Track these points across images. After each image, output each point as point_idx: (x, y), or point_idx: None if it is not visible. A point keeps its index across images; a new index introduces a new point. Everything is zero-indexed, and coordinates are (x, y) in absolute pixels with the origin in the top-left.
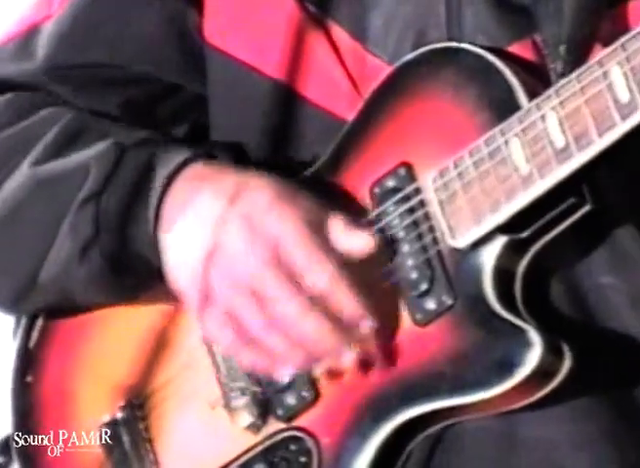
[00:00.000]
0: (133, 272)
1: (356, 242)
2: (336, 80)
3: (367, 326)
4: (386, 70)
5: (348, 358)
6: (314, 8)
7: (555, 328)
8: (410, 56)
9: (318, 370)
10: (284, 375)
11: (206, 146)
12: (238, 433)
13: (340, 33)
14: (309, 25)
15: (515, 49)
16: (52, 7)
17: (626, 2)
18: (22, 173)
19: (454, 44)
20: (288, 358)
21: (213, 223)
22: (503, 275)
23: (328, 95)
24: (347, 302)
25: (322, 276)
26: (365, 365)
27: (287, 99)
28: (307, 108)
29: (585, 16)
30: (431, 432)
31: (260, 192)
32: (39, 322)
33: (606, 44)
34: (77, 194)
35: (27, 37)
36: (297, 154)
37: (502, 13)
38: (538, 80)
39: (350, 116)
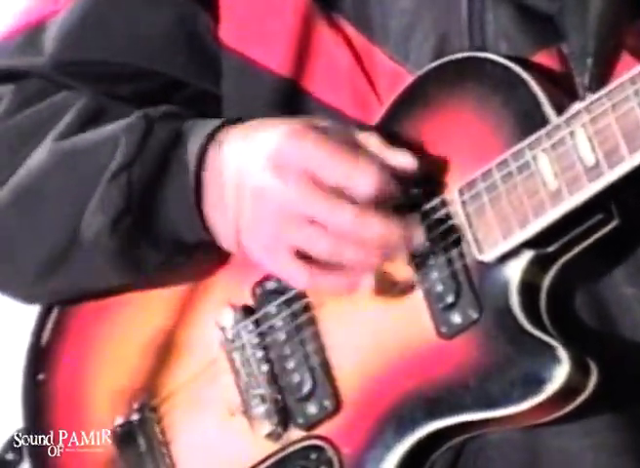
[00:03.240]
0: (163, 245)
1: (396, 157)
2: (349, 80)
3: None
4: (407, 74)
5: (419, 238)
6: (326, 6)
7: (578, 340)
8: (434, 64)
9: (400, 258)
10: (370, 285)
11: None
12: (257, 440)
13: (354, 34)
14: (320, 24)
15: (540, 57)
16: (58, 1)
17: None
18: (47, 147)
19: (479, 53)
20: (369, 263)
21: (246, 173)
22: (529, 289)
23: (337, 93)
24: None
25: (365, 180)
26: (388, 375)
27: (294, 96)
28: (316, 106)
29: (610, 27)
30: (454, 444)
31: (278, 129)
32: (51, 319)
33: (634, 55)
34: (107, 166)
35: (35, 31)
36: None
37: (526, 20)
38: (563, 91)
39: (360, 115)
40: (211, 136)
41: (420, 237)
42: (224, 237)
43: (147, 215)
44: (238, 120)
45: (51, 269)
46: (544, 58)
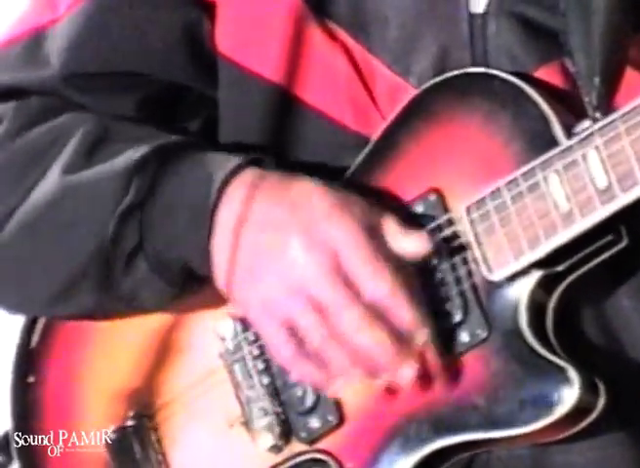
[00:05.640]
0: (176, 279)
1: (411, 243)
2: (342, 88)
3: (424, 335)
4: (408, 87)
5: (408, 372)
6: (319, 13)
7: (585, 359)
8: (440, 77)
9: (378, 384)
10: (336, 389)
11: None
12: (257, 452)
13: (351, 43)
14: (315, 32)
15: (542, 73)
16: (56, 10)
17: None
18: (55, 180)
19: (488, 70)
20: (349, 370)
21: (273, 230)
22: (537, 309)
23: (331, 101)
24: (405, 311)
25: (381, 285)
26: (393, 392)
27: (287, 104)
28: (310, 114)
29: (615, 43)
30: (461, 458)
31: (318, 199)
32: (41, 321)
33: (636, 68)
34: (119, 203)
35: (34, 42)
36: (300, 160)
37: (529, 35)
38: (569, 108)
39: (355, 124)
40: (229, 179)
41: (408, 370)
42: (219, 279)
43: (162, 252)
44: (257, 161)
45: (63, 298)
46: (546, 74)
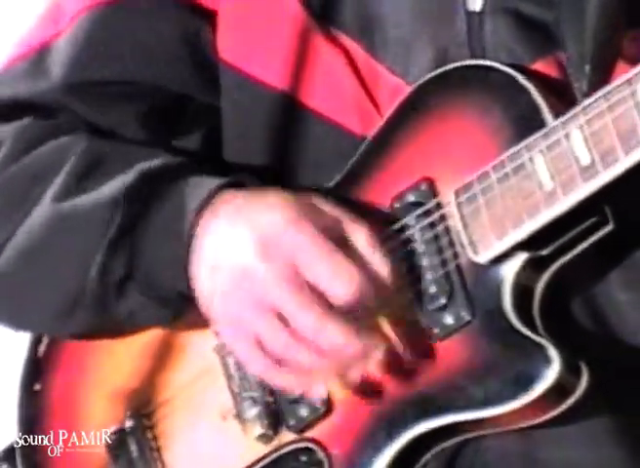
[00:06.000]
0: (172, 302)
1: (379, 263)
2: (347, 93)
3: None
4: (407, 87)
5: (376, 358)
6: (323, 20)
7: (572, 343)
8: (434, 72)
9: (352, 377)
10: (320, 394)
11: (233, 175)
12: (249, 443)
13: (353, 48)
14: (318, 38)
15: (539, 66)
16: (59, 24)
17: None
18: (45, 208)
19: (479, 61)
20: (319, 371)
21: (233, 250)
22: (522, 291)
23: (337, 107)
24: (369, 312)
25: (344, 288)
26: (378, 377)
27: (292, 111)
28: (315, 120)
29: (608, 34)
30: (445, 446)
31: (276, 212)
32: None
33: (630, 63)
34: (105, 233)
35: (39, 56)
36: (304, 166)
37: (525, 30)
38: (562, 98)
39: (360, 129)
40: (205, 203)
41: (377, 355)
42: (200, 302)
43: (151, 279)
44: (236, 183)
45: (60, 322)
46: (542, 67)
